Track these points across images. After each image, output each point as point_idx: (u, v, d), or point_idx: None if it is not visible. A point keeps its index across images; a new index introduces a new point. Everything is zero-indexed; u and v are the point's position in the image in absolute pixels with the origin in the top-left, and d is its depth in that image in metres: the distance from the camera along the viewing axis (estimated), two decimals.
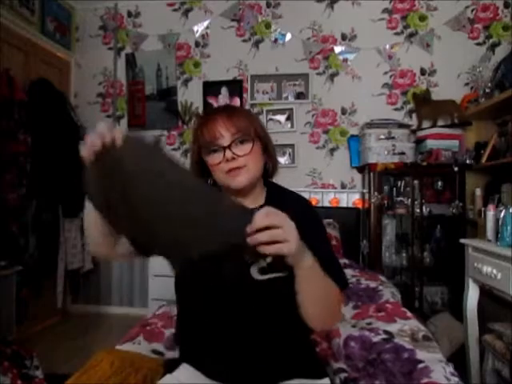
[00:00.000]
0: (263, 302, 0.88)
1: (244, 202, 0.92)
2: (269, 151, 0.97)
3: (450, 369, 1.09)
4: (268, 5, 3.21)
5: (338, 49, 3.11)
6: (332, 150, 3.13)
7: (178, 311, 1.02)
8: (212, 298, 0.90)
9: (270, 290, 0.87)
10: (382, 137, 2.71)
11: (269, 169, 0.98)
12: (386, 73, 3.06)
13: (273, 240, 0.66)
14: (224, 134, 0.89)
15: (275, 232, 0.66)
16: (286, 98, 3.18)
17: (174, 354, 1.20)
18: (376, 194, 2.66)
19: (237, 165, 0.89)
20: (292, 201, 0.98)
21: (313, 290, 0.79)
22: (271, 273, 0.86)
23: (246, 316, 0.88)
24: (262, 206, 0.92)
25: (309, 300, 0.80)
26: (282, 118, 3.12)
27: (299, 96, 3.16)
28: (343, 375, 1.12)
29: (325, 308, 0.84)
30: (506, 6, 2.89)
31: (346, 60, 3.10)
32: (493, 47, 2.90)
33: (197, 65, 3.31)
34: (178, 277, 0.98)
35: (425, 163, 2.64)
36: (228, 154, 0.88)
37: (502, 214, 1.78)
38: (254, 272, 0.87)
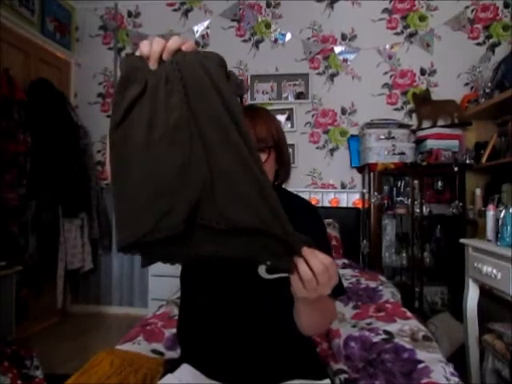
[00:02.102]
0: (267, 302, 0.89)
1: None
2: (283, 159, 0.95)
3: (449, 369, 1.09)
4: (268, 5, 3.21)
5: (337, 49, 3.11)
6: (332, 150, 3.13)
7: (180, 310, 1.03)
8: (216, 295, 0.90)
9: (275, 289, 0.87)
10: (382, 137, 2.71)
11: (281, 175, 0.97)
12: (386, 73, 3.06)
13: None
14: None
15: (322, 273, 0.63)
16: (286, 97, 3.18)
17: (173, 354, 1.20)
18: (376, 194, 2.66)
19: None
20: (298, 206, 0.98)
21: (311, 314, 0.80)
22: (279, 273, 0.86)
23: (248, 315, 0.89)
24: None
25: (306, 322, 0.82)
26: (282, 118, 3.12)
27: (299, 96, 3.16)
28: (343, 376, 1.12)
29: (320, 323, 0.87)
30: (506, 6, 2.89)
31: (346, 60, 3.10)
32: (493, 47, 2.90)
33: None
34: (184, 272, 0.98)
35: (425, 163, 2.64)
36: None
37: (502, 214, 1.78)
38: (262, 271, 0.87)
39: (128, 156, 0.62)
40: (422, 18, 3.02)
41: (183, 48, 0.61)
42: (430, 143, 2.67)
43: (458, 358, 2.00)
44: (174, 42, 0.60)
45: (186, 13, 3.33)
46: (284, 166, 0.97)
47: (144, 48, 0.60)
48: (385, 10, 3.06)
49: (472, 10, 2.94)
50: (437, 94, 2.89)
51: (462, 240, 2.11)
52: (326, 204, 3.09)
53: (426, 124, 2.83)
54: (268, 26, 3.21)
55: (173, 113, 0.60)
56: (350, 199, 3.08)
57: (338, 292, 0.92)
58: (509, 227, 1.73)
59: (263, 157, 0.88)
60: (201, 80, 0.59)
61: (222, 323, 0.90)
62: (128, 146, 0.62)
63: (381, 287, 1.98)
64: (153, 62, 0.60)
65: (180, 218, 0.60)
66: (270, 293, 0.87)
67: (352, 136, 3.07)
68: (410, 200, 2.67)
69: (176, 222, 0.60)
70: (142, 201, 0.61)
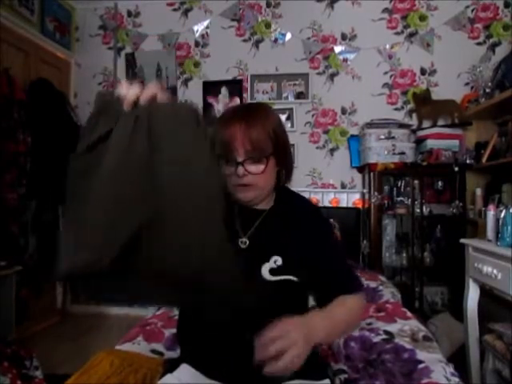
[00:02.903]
0: (270, 303, 0.88)
1: (253, 205, 0.93)
2: (283, 161, 0.93)
3: (450, 369, 1.08)
4: (268, 5, 3.21)
5: (337, 49, 3.11)
6: (332, 150, 3.13)
7: (180, 310, 1.03)
8: None
9: (278, 291, 0.88)
10: (382, 137, 2.71)
11: (282, 177, 0.95)
12: (386, 73, 3.06)
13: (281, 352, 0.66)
14: (239, 148, 0.85)
15: (280, 344, 0.66)
16: (286, 97, 3.18)
17: (173, 354, 1.20)
18: (376, 194, 2.66)
19: (247, 182, 0.87)
20: (300, 207, 0.98)
21: (337, 332, 0.85)
22: (282, 275, 0.87)
23: (250, 316, 0.88)
24: (271, 209, 0.95)
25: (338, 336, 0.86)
26: (282, 117, 3.11)
27: (299, 96, 3.16)
28: (343, 376, 1.12)
29: (350, 328, 0.93)
30: (506, 5, 2.89)
31: (346, 60, 3.10)
32: (493, 47, 2.90)
33: (197, 65, 3.31)
34: None
35: (425, 163, 2.64)
36: (240, 170, 0.86)
37: (503, 214, 1.78)
38: (265, 272, 0.88)
39: (83, 186, 0.62)
40: (422, 18, 3.02)
41: (155, 99, 0.62)
42: (430, 143, 2.67)
43: (458, 358, 2.00)
44: (149, 92, 0.62)
45: (185, 12, 3.32)
46: (285, 166, 0.95)
47: (122, 89, 0.62)
48: (385, 10, 3.06)
49: (472, 10, 2.94)
50: (437, 94, 2.89)
51: (462, 240, 2.11)
52: (326, 204, 3.08)
53: (426, 124, 2.82)
54: (268, 25, 3.20)
55: (133, 158, 0.59)
56: (350, 199, 3.08)
57: (354, 288, 0.94)
58: (509, 227, 1.73)
59: (261, 166, 0.87)
60: (167, 131, 0.59)
61: (222, 323, 0.90)
62: (85, 177, 0.62)
63: (381, 287, 1.98)
64: (127, 106, 0.62)
65: (108, 259, 0.58)
66: (275, 293, 0.88)
67: (352, 136, 3.07)
68: (410, 200, 2.67)
69: (105, 263, 0.58)
70: (85, 234, 0.60)
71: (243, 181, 0.87)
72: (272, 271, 0.88)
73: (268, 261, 0.88)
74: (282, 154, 0.91)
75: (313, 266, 0.92)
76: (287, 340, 0.67)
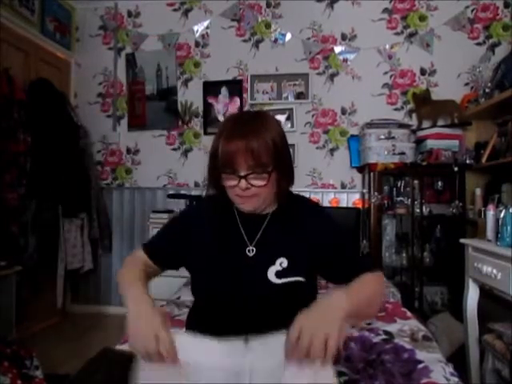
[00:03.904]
0: (277, 305, 0.89)
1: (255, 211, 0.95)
2: (285, 171, 0.93)
3: (449, 369, 1.08)
4: (268, 5, 3.21)
5: (337, 49, 3.11)
6: (332, 150, 3.13)
7: (191, 308, 1.05)
8: (228, 297, 0.91)
9: (287, 293, 0.89)
10: (382, 137, 2.71)
11: (282, 185, 0.94)
12: (386, 73, 3.06)
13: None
14: (241, 163, 0.86)
15: (303, 344, 0.67)
16: (286, 97, 3.18)
17: None
18: (376, 194, 2.66)
19: (249, 194, 0.89)
20: (301, 205, 1.00)
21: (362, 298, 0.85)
22: (289, 276, 0.88)
23: (257, 316, 0.89)
24: (274, 212, 0.97)
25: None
26: (281, 117, 3.11)
27: (299, 96, 3.16)
28: (343, 378, 1.11)
29: (376, 297, 0.92)
30: (506, 5, 2.89)
31: (346, 60, 3.10)
32: (493, 47, 2.90)
33: (197, 65, 3.31)
34: (196, 280, 1.00)
35: (425, 163, 2.64)
36: (242, 183, 0.87)
37: (502, 214, 1.78)
38: (272, 275, 0.89)
39: None
40: (422, 18, 3.02)
41: None
42: (430, 143, 2.67)
43: (457, 358, 2.00)
44: None
45: (185, 13, 3.32)
46: (287, 174, 0.95)
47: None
48: (385, 10, 3.06)
49: (472, 10, 2.94)
50: (437, 94, 2.89)
51: (461, 240, 2.11)
52: (326, 204, 3.08)
53: (426, 124, 2.83)
54: (268, 26, 3.20)
55: None
56: (350, 199, 3.08)
57: (369, 268, 0.93)
58: (509, 227, 1.73)
59: (264, 179, 0.88)
60: None
61: (232, 321, 0.90)
62: None
63: None
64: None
65: None
66: (282, 295, 0.88)
67: (352, 136, 3.07)
68: (410, 200, 2.67)
69: None
70: None
71: (246, 193, 0.89)
72: (278, 274, 0.89)
73: (274, 264, 0.90)
74: (282, 164, 0.92)
75: (322, 261, 0.94)
76: (305, 336, 0.67)
